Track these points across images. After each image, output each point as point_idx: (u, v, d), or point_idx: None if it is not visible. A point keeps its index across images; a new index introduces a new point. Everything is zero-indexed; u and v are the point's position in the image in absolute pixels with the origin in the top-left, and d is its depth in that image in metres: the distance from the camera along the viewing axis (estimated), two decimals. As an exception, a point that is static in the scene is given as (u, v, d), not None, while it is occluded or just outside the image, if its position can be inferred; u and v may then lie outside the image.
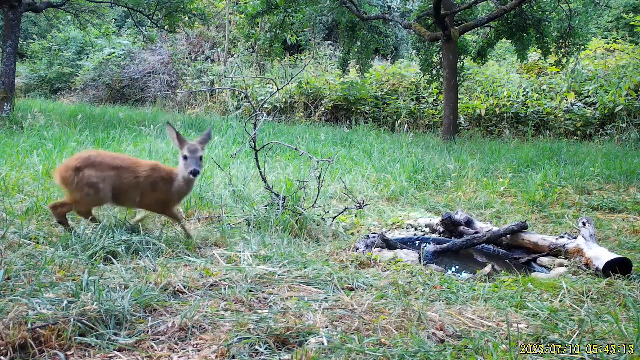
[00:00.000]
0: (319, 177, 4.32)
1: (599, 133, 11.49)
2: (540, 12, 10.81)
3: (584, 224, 3.64)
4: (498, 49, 16.06)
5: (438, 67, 11.80)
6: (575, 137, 11.50)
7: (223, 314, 2.30)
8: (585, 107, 12.04)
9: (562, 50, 11.06)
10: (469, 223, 4.23)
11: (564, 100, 12.21)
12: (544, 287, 2.83)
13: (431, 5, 10.13)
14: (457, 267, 3.68)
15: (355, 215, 4.58)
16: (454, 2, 11.08)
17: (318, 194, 4.28)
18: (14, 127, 8.40)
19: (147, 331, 2.10)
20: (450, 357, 1.97)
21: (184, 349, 2.00)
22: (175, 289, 2.56)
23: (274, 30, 11.89)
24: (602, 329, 2.27)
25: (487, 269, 3.21)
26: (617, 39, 14.52)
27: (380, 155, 7.68)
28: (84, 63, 19.60)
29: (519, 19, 10.75)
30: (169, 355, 1.96)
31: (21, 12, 10.91)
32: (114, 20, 22.47)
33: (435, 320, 2.31)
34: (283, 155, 7.19)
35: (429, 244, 3.96)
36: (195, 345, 2.02)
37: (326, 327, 2.20)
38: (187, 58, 19.28)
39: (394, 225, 4.53)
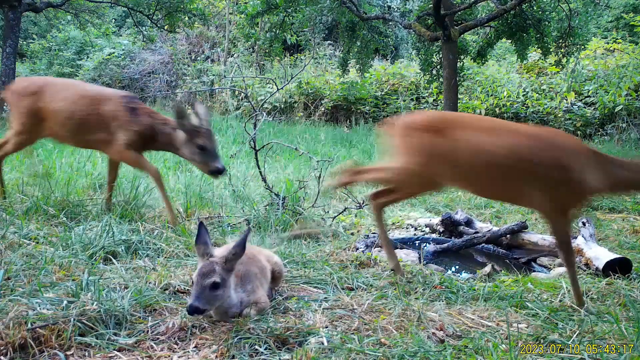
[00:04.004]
0: (319, 177, 4.32)
1: (599, 133, 11.49)
2: (540, 12, 10.81)
3: (584, 224, 3.64)
4: (498, 49, 16.04)
5: (438, 67, 11.79)
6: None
7: (223, 314, 2.29)
8: (585, 107, 12.04)
9: (562, 50, 11.06)
10: (469, 223, 4.23)
11: (564, 100, 12.21)
12: (544, 287, 2.83)
13: (431, 5, 10.12)
14: (457, 267, 3.68)
15: (355, 215, 4.58)
16: (454, 2, 11.08)
17: (318, 194, 4.28)
18: (14, 127, 8.39)
19: (147, 331, 2.10)
20: (450, 357, 1.97)
21: (184, 349, 2.00)
22: (175, 289, 2.56)
23: (274, 30, 11.89)
24: (602, 329, 2.27)
25: (487, 269, 3.21)
26: (617, 39, 14.51)
27: (381, 155, 7.68)
28: (84, 63, 19.57)
29: (519, 19, 10.74)
30: (169, 356, 1.96)
31: (21, 12, 10.91)
32: (114, 20, 22.44)
33: (435, 320, 2.31)
34: (283, 155, 7.19)
35: (429, 244, 3.96)
36: (195, 345, 2.02)
37: (326, 327, 2.20)
38: (187, 58, 19.26)
39: (394, 225, 4.53)
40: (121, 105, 3.65)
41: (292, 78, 4.90)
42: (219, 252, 2.22)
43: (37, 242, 3.04)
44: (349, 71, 13.39)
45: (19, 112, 3.79)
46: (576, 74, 12.74)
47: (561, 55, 11.10)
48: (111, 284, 2.49)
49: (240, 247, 2.16)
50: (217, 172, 3.48)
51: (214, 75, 17.48)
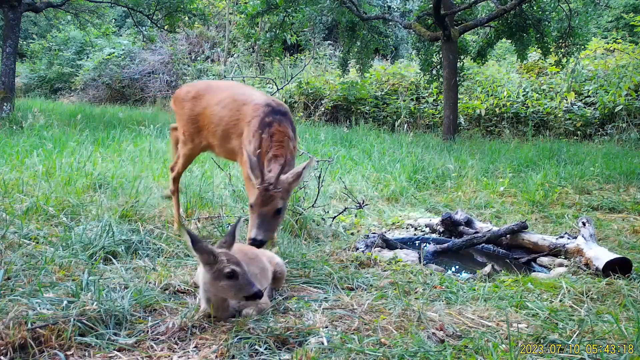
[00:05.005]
0: (319, 177, 4.32)
1: (599, 133, 11.48)
2: (540, 12, 10.81)
3: (584, 224, 3.64)
4: (498, 49, 16.04)
5: (438, 67, 11.79)
6: (575, 137, 11.49)
7: (223, 314, 2.29)
8: (585, 107, 12.03)
9: (562, 50, 11.06)
10: (469, 223, 4.22)
11: (564, 100, 12.20)
12: (544, 287, 2.83)
13: (431, 5, 10.12)
14: (457, 267, 3.68)
15: (355, 215, 4.58)
16: (454, 2, 11.08)
17: (318, 194, 4.28)
18: (14, 127, 8.40)
19: (147, 331, 2.10)
20: (450, 357, 1.97)
21: (184, 349, 2.00)
22: (175, 289, 2.56)
23: (274, 30, 11.88)
24: (602, 329, 2.27)
25: (487, 269, 3.21)
26: (617, 39, 14.50)
27: (380, 155, 7.68)
28: (84, 63, 19.59)
29: (519, 19, 10.74)
30: (169, 356, 1.96)
31: (21, 12, 10.92)
32: (114, 20, 22.46)
33: (435, 320, 2.31)
34: (283, 155, 7.17)
35: (429, 244, 3.96)
36: (195, 345, 2.02)
37: (326, 327, 2.20)
38: (187, 58, 19.28)
39: (394, 225, 4.53)
40: (259, 114, 3.14)
41: (292, 78, 4.90)
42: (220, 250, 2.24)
43: (37, 242, 3.04)
44: (349, 71, 13.38)
45: (181, 118, 3.56)
46: (576, 74, 12.73)
47: (561, 55, 11.10)
48: (111, 284, 2.49)
49: (230, 235, 2.30)
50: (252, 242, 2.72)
51: (214, 75, 17.48)
